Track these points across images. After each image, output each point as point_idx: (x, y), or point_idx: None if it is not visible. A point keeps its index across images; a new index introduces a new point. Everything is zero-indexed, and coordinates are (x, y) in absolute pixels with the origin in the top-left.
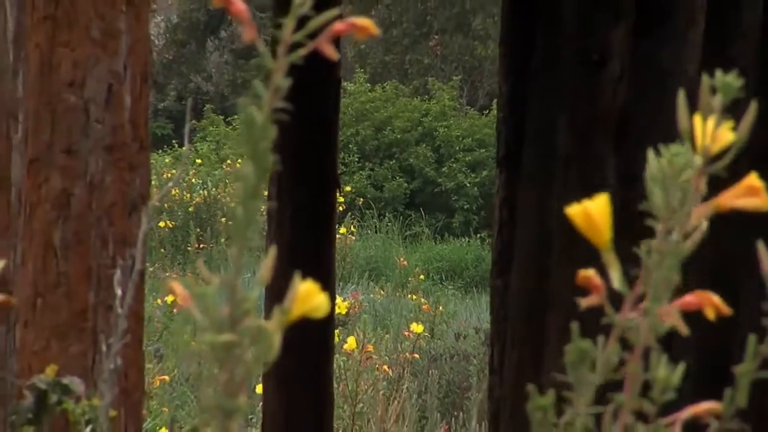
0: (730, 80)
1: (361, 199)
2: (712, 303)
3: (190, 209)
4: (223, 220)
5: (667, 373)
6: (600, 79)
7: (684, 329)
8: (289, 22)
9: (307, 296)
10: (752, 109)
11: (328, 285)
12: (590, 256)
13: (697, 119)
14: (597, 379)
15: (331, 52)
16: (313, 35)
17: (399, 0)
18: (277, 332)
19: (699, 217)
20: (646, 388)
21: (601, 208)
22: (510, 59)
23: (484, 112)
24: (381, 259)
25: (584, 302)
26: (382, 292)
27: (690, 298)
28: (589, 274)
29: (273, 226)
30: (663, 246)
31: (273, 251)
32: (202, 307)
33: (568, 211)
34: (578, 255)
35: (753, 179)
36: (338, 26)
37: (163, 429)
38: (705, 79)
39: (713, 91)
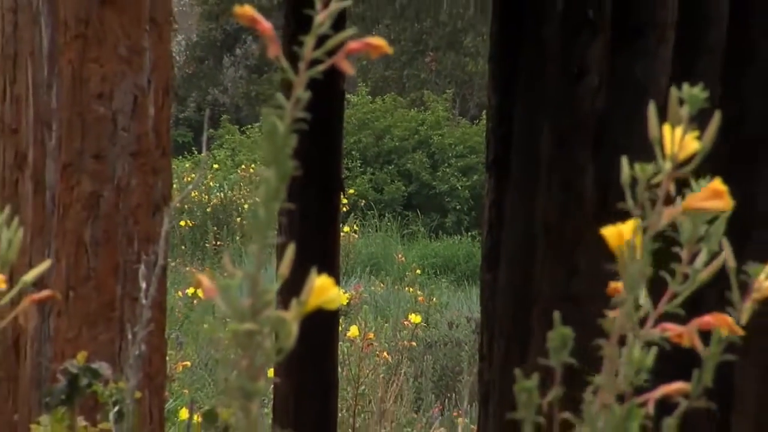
0: (696, 92)
1: (363, 201)
2: (727, 324)
3: (207, 210)
4: (239, 219)
5: (642, 356)
6: (579, 90)
7: (701, 347)
8: (309, 41)
9: (323, 290)
10: (716, 119)
11: (332, 278)
12: (570, 255)
13: (667, 128)
14: (625, 385)
15: (347, 68)
16: (329, 52)
17: (397, 20)
18: (295, 322)
19: (669, 217)
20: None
21: (631, 230)
22: (498, 74)
23: (475, 122)
24: (381, 255)
25: (612, 313)
26: (381, 285)
27: (708, 319)
28: (619, 286)
29: (284, 226)
30: (637, 243)
31: (291, 249)
32: (226, 298)
33: (603, 232)
34: (559, 254)
35: (717, 183)
36: (354, 45)
37: (184, 409)
38: (673, 91)
39: (681, 102)
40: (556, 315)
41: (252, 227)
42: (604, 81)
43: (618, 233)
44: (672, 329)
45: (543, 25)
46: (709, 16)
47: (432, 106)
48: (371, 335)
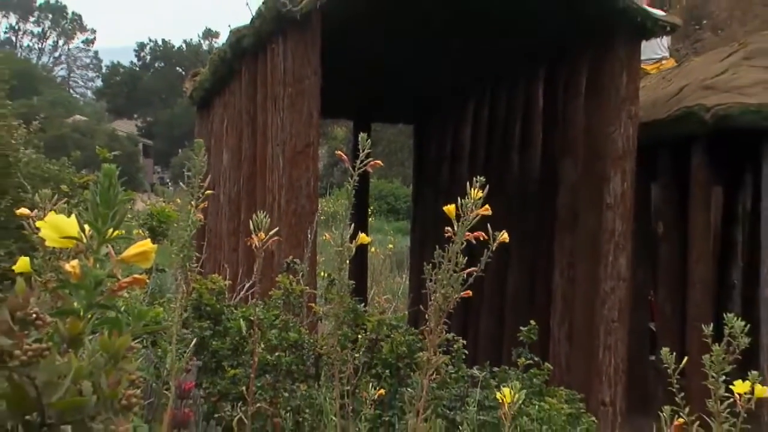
0: (481, 180)
1: (376, 210)
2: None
3: (330, 212)
4: (338, 217)
5: (462, 261)
6: (439, 181)
7: (475, 242)
8: (358, 164)
9: (363, 238)
10: (485, 188)
11: (365, 235)
12: (440, 227)
13: (471, 191)
14: (450, 267)
15: (370, 170)
16: (364, 165)
17: (385, 157)
18: (354, 248)
19: (473, 219)
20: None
21: (452, 211)
22: (416, 175)
23: (409, 187)
24: (381, 228)
25: (467, 236)
26: (381, 236)
27: (476, 233)
28: (452, 232)
29: (350, 218)
30: (458, 228)
31: (353, 226)
32: (334, 240)
33: (445, 209)
34: (437, 229)
35: (485, 210)
36: (372, 163)
37: (321, 272)
38: (470, 190)
39: (478, 184)
40: (437, 249)
41: (339, 219)
42: (449, 180)
43: (451, 210)
44: (468, 236)
45: (427, 162)
46: (496, 153)
47: (395, 183)
48: (378, 251)
